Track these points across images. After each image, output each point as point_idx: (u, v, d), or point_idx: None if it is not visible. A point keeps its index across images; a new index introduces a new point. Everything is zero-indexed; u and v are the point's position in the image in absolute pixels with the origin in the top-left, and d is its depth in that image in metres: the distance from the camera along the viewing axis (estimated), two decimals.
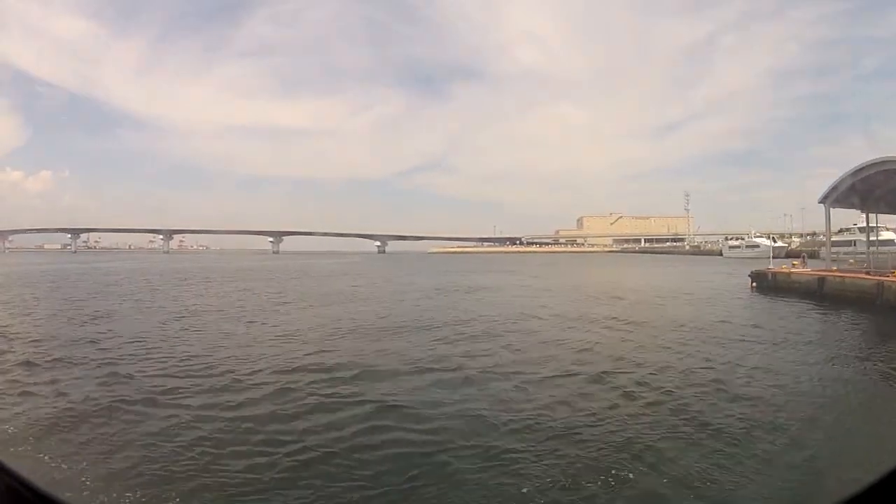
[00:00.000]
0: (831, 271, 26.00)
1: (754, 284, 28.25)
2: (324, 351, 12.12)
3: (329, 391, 8.58)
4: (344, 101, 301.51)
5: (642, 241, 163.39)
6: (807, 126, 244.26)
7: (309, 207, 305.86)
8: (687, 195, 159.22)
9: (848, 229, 72.94)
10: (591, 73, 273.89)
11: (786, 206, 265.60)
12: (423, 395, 8.39)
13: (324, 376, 9.54)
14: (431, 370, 10.18)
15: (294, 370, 10.10)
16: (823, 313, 19.19)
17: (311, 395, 8.38)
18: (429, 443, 6.38)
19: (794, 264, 30.63)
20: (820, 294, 23.80)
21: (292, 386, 8.86)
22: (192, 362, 10.73)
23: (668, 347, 12.58)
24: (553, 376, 9.59)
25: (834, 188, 28.02)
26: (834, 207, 29.58)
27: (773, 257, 73.40)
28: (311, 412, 7.48)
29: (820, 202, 29.25)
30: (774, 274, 27.62)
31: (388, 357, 11.42)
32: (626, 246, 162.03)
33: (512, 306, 21.88)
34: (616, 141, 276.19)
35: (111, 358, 11.20)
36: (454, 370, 10.14)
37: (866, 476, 1.26)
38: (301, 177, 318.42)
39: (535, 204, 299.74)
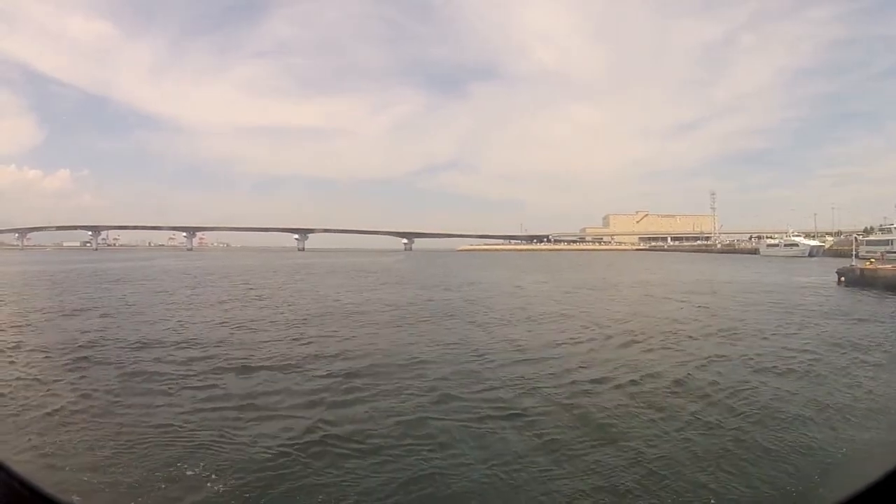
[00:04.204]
0: None
1: (842, 279, 32.25)
2: None
3: None
4: (361, 101, 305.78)
5: (668, 239, 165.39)
6: (819, 125, 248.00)
7: (326, 206, 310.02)
8: (713, 194, 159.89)
9: (872, 230, 77.13)
10: (606, 73, 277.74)
11: (796, 205, 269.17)
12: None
13: None
14: None
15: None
16: None
17: None
18: None
19: (871, 261, 34.80)
20: None
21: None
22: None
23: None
24: None
25: None
26: None
27: (810, 255, 77.51)
28: None
29: None
30: (862, 270, 31.68)
31: None
32: (653, 244, 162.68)
33: None
34: (631, 141, 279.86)
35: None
36: None
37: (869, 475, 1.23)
38: (317, 176, 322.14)
39: (552, 203, 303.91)
